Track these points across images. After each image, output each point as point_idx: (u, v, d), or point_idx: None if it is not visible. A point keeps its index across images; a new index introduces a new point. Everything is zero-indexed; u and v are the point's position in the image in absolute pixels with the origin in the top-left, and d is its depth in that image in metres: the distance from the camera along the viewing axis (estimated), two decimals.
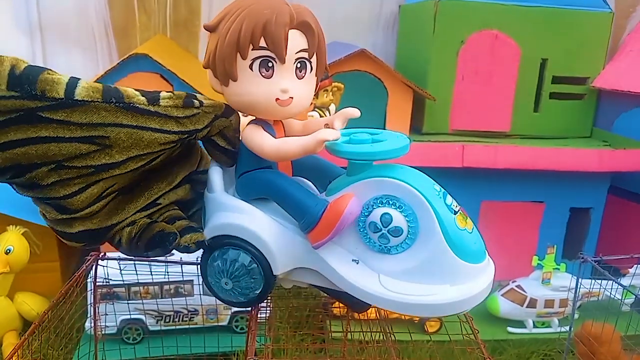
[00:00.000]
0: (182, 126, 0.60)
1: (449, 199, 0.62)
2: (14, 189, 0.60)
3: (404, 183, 0.60)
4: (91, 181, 0.60)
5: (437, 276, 0.61)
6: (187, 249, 0.66)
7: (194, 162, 0.71)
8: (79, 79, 0.55)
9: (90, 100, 0.55)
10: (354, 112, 0.66)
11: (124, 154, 0.59)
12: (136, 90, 0.58)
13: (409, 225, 0.60)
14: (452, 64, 1.85)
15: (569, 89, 1.95)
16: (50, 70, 0.55)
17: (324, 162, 0.71)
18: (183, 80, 1.68)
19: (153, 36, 2.12)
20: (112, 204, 0.64)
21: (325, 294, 0.75)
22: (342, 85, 1.44)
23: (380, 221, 0.61)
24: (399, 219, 0.60)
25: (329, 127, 0.66)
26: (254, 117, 0.66)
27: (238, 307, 0.77)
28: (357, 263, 0.63)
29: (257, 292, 0.68)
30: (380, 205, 0.61)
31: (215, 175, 0.69)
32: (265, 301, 1.10)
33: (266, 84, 0.61)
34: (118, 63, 1.66)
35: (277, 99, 0.62)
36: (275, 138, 0.64)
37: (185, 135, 0.62)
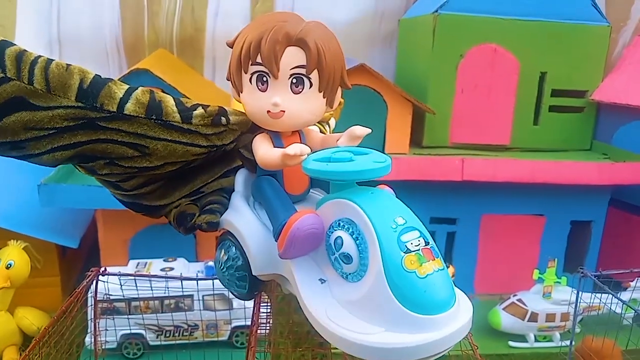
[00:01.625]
0: (209, 141, 0.67)
1: (410, 236, 0.56)
2: (77, 169, 0.70)
3: (360, 209, 0.57)
4: (137, 175, 0.70)
5: (374, 316, 0.56)
6: (200, 227, 0.72)
7: (235, 160, 0.77)
8: (132, 91, 0.63)
9: (135, 115, 0.63)
10: (360, 131, 0.65)
11: (161, 160, 0.67)
12: (177, 105, 0.65)
13: (359, 255, 0.57)
14: (451, 78, 1.86)
15: (568, 102, 1.95)
16: (112, 82, 0.62)
17: None
18: (184, 95, 1.69)
19: None
20: (160, 190, 0.74)
21: None
22: (342, 100, 1.45)
23: (334, 244, 0.59)
24: (349, 245, 0.57)
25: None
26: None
27: (241, 299, 0.80)
28: (322, 283, 0.61)
29: (245, 289, 0.72)
30: (337, 227, 0.59)
31: (239, 177, 0.74)
32: (266, 317, 1.10)
33: (260, 97, 0.65)
34: (119, 79, 1.67)
35: (268, 112, 0.65)
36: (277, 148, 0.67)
37: (215, 149, 0.68)
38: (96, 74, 0.63)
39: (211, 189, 0.77)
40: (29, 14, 2.10)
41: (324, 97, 0.67)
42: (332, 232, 0.60)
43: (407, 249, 0.55)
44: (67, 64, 0.61)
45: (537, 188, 1.76)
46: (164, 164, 0.68)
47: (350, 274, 0.58)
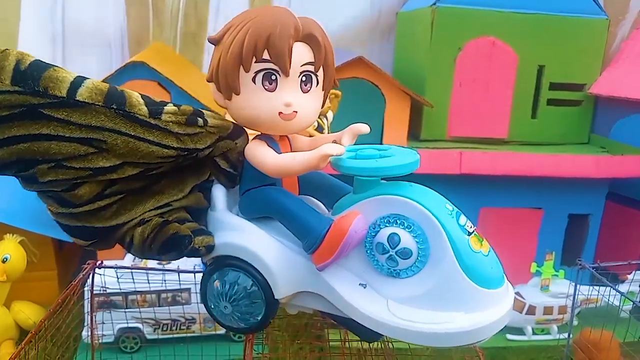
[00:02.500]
0: (181, 143, 0.58)
1: (463, 219, 0.58)
2: (20, 183, 0.60)
3: (413, 201, 0.56)
4: (90, 181, 0.59)
5: (450, 303, 0.56)
6: (196, 252, 0.63)
7: (206, 172, 0.67)
8: (85, 78, 0.54)
9: (91, 102, 0.54)
10: (363, 128, 0.63)
11: (121, 159, 0.58)
12: (143, 98, 0.57)
13: (418, 247, 0.56)
14: (449, 71, 1.85)
15: (566, 96, 1.95)
16: (58, 67, 0.54)
17: (331, 180, 0.69)
18: (181, 87, 1.68)
19: None
20: (118, 204, 0.62)
21: (332, 321, 0.71)
22: (340, 93, 1.44)
23: (388, 242, 0.57)
24: (407, 239, 0.56)
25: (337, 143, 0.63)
26: (259, 133, 0.64)
27: (239, 333, 0.73)
28: (365, 287, 0.59)
29: (259, 317, 0.65)
30: (387, 224, 0.57)
31: (218, 193, 0.66)
32: None
33: (269, 98, 0.59)
34: (115, 71, 1.66)
35: (280, 113, 0.60)
36: (279, 154, 0.62)
37: (185, 153, 0.60)
38: (37, 59, 0.53)
39: (179, 205, 0.66)
40: (33, 8, 2.12)
41: (323, 96, 0.64)
42: (379, 231, 0.57)
43: (468, 231, 0.57)
44: (5, 48, 0.53)
45: (535, 181, 1.76)
46: (122, 163, 0.58)
47: (403, 269, 0.57)
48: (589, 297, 1.50)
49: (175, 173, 0.65)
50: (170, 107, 0.58)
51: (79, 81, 0.54)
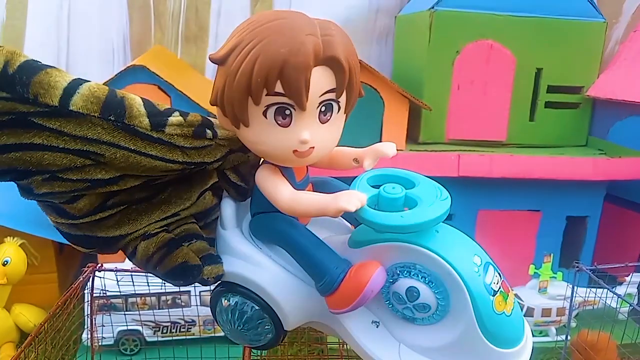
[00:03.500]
0: (187, 157, 0.53)
1: (490, 275, 0.53)
2: (19, 191, 0.56)
3: (436, 255, 0.52)
4: (88, 193, 0.54)
5: None
6: (205, 282, 0.60)
7: (212, 176, 0.63)
8: (82, 83, 0.49)
9: (86, 113, 0.48)
10: (389, 150, 0.57)
11: (120, 171, 0.53)
12: (145, 107, 0.51)
13: (438, 303, 0.53)
14: (447, 74, 1.86)
15: (564, 98, 1.96)
16: (51, 69, 0.48)
17: (339, 185, 0.65)
18: (181, 91, 1.69)
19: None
20: (120, 214, 0.58)
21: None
22: None
23: (406, 294, 0.53)
24: (427, 295, 0.53)
25: (357, 162, 0.60)
26: None
27: (263, 349, 0.73)
28: (377, 326, 0.57)
29: (268, 340, 0.63)
30: (407, 275, 0.53)
31: (228, 209, 0.62)
32: None
33: (282, 134, 0.52)
34: (116, 75, 1.67)
35: (295, 151, 0.52)
36: (293, 180, 0.57)
37: (192, 167, 0.55)
38: (32, 59, 0.47)
39: (187, 213, 0.62)
40: (40, 14, 2.16)
41: (345, 116, 0.57)
42: (397, 280, 0.54)
43: (493, 290, 0.53)
44: None
45: (533, 183, 1.76)
46: (122, 175, 0.53)
47: (420, 318, 0.55)
48: (586, 299, 1.51)
49: (182, 181, 0.60)
50: (175, 119, 0.52)
51: (73, 87, 0.48)
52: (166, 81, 1.68)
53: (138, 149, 0.51)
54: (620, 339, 1.23)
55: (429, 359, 0.54)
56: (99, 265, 1.19)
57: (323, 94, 0.51)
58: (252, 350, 0.93)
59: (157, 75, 1.68)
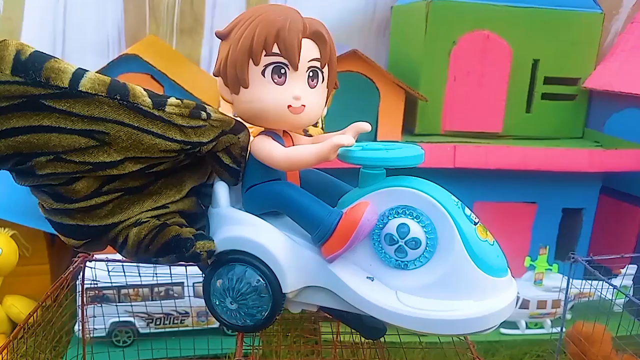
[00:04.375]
0: (185, 136, 0.58)
1: (468, 211, 0.60)
2: (13, 177, 0.59)
3: (422, 192, 0.58)
4: (88, 176, 0.58)
5: (460, 291, 0.57)
6: (197, 257, 0.62)
7: (205, 173, 0.67)
8: (86, 70, 0.54)
9: (94, 93, 0.53)
10: (366, 127, 0.64)
11: (122, 153, 0.57)
12: (145, 90, 0.57)
13: (427, 237, 0.57)
14: (444, 65, 1.85)
15: (560, 90, 1.95)
16: (58, 58, 0.53)
17: (331, 179, 0.69)
18: (174, 81, 1.67)
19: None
20: (114, 202, 0.61)
21: (327, 315, 0.71)
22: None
23: (397, 233, 0.58)
24: (416, 229, 0.57)
25: None
26: (263, 129, 0.64)
27: (244, 332, 0.72)
28: (372, 280, 0.60)
29: (265, 313, 0.64)
30: (396, 215, 0.58)
31: (221, 189, 0.65)
32: None
33: (278, 91, 0.60)
34: (108, 64, 1.65)
35: (289, 106, 0.61)
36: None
37: (189, 147, 0.59)
38: (38, 50, 0.53)
39: (175, 208, 0.65)
40: (36, 6, 2.15)
41: (327, 94, 0.65)
42: (388, 222, 0.58)
43: (474, 221, 0.59)
44: (4, 39, 0.52)
45: (529, 175, 1.76)
46: (124, 159, 0.57)
47: (411, 261, 0.58)
48: (582, 290, 1.51)
49: (174, 173, 0.64)
50: (173, 100, 0.58)
51: (80, 72, 0.54)
52: (159, 71, 1.66)
53: (141, 126, 0.56)
54: (615, 331, 1.22)
55: (425, 296, 0.58)
56: (90, 255, 1.17)
57: (311, 60, 0.60)
58: (245, 341, 0.91)
59: (150, 64, 1.66)
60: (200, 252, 0.62)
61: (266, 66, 0.59)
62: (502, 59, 1.86)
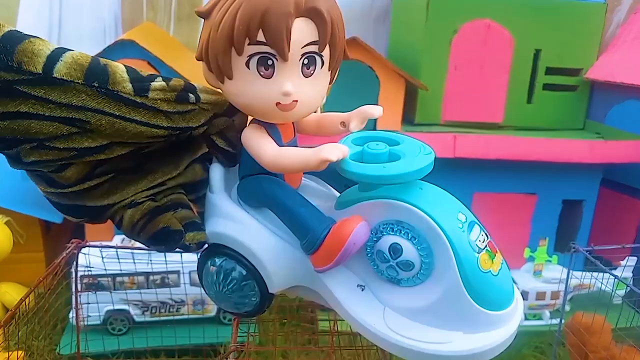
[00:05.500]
0: (171, 122, 0.54)
1: (475, 233, 0.53)
2: (7, 161, 0.56)
3: (420, 211, 0.51)
4: (75, 161, 0.55)
5: (448, 322, 0.52)
6: (187, 248, 0.60)
7: (203, 146, 0.63)
8: (65, 51, 0.50)
9: (70, 80, 0.49)
10: (375, 111, 0.57)
11: (107, 139, 0.53)
12: (128, 73, 0.52)
13: (422, 261, 0.52)
14: (444, 54, 1.82)
15: (562, 80, 1.93)
16: (34, 38, 0.49)
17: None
18: (171, 67, 1.65)
19: None
20: (108, 183, 0.59)
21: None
22: None
23: (389, 251, 0.53)
24: (410, 251, 0.52)
25: (344, 126, 0.59)
26: None
27: (236, 316, 0.71)
28: (363, 290, 0.56)
29: (253, 306, 0.63)
30: (390, 232, 0.53)
31: (216, 173, 0.62)
32: None
33: (265, 85, 0.52)
34: (104, 50, 1.62)
35: (278, 103, 0.53)
36: (279, 141, 0.57)
37: (177, 132, 0.55)
38: (14, 29, 0.48)
39: (175, 183, 0.63)
40: None
41: (330, 75, 0.57)
42: (381, 238, 0.53)
43: (479, 248, 0.52)
44: None
45: (529, 166, 1.74)
46: (110, 143, 0.54)
47: (404, 279, 0.54)
48: (581, 282, 1.49)
49: (169, 150, 0.61)
50: (157, 84, 0.53)
51: (56, 55, 0.49)
52: (156, 57, 1.64)
53: (123, 114, 0.51)
54: (615, 322, 1.21)
55: (413, 320, 0.53)
56: (84, 241, 1.16)
57: (305, 46, 0.51)
58: (240, 327, 0.90)
59: (147, 50, 1.64)
60: (190, 244, 0.60)
61: (250, 56, 0.51)
62: (504, 48, 1.84)
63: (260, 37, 0.49)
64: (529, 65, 1.88)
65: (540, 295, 1.67)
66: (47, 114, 0.50)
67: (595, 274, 1.40)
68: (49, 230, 1.81)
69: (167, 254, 1.29)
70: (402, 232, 0.52)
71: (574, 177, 1.81)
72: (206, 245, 0.63)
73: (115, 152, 0.55)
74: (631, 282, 1.54)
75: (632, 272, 1.59)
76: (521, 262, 1.72)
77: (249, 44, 0.50)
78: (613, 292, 1.28)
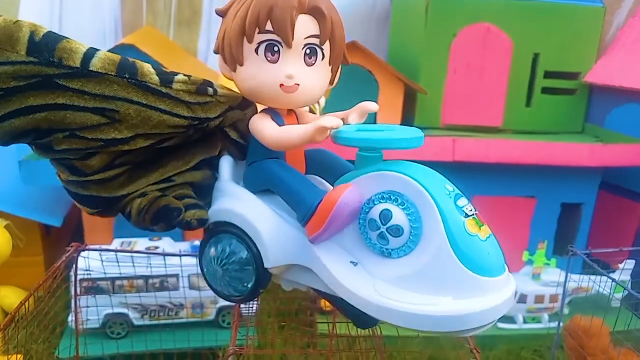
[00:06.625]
0: (192, 112, 0.60)
1: (462, 201, 0.55)
2: (32, 150, 0.61)
3: (409, 178, 0.54)
4: (101, 151, 0.61)
5: (438, 286, 0.53)
6: (188, 225, 0.64)
7: (216, 147, 0.69)
8: (97, 50, 0.56)
9: (104, 72, 0.55)
10: (372, 107, 0.62)
11: (132, 130, 0.59)
12: (154, 68, 0.58)
13: (411, 226, 0.54)
14: (444, 58, 1.83)
15: (561, 84, 1.94)
16: (70, 39, 0.55)
17: (338, 160, 0.68)
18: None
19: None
20: (125, 175, 0.65)
21: (324, 299, 0.69)
22: None
23: (379, 218, 0.55)
24: (399, 216, 0.54)
25: (344, 122, 0.63)
26: (266, 107, 0.64)
27: (232, 302, 0.72)
28: (355, 265, 0.58)
29: (249, 285, 0.65)
30: (381, 201, 0.55)
31: (225, 163, 0.67)
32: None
33: (271, 69, 0.59)
34: None
35: (281, 85, 0.59)
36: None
37: (196, 122, 0.61)
38: (50, 30, 0.55)
39: (183, 180, 0.68)
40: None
41: (331, 72, 0.63)
42: (373, 207, 0.56)
43: (466, 213, 0.54)
44: (17, 20, 0.54)
45: (528, 169, 1.74)
46: (135, 135, 0.60)
47: (395, 249, 0.55)
48: (580, 285, 1.50)
49: (184, 147, 0.66)
50: (181, 77, 0.59)
51: (91, 52, 0.55)
52: (156, 61, 1.65)
53: (149, 103, 0.57)
54: (613, 325, 1.21)
55: (402, 288, 0.54)
56: (84, 245, 1.16)
57: (307, 37, 0.58)
58: (239, 331, 0.90)
59: (146, 54, 1.64)
60: (191, 220, 0.64)
61: (259, 44, 0.58)
62: (503, 52, 1.85)
63: (269, 26, 0.57)
64: (528, 68, 1.89)
65: (539, 299, 1.67)
66: (81, 105, 0.56)
67: (593, 277, 1.40)
68: (48, 234, 1.81)
69: (166, 257, 1.30)
70: (392, 199, 0.55)
71: (572, 180, 1.82)
72: (208, 231, 0.66)
73: (138, 144, 0.60)
74: (629, 285, 1.54)
75: (630, 275, 1.59)
76: (520, 265, 1.72)
77: (258, 33, 0.58)
78: (611, 295, 1.28)
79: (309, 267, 0.61)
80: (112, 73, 0.55)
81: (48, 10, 2.16)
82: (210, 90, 0.60)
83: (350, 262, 0.58)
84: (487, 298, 0.53)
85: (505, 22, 1.82)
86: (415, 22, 1.87)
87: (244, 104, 0.64)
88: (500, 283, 0.54)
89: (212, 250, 0.66)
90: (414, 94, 1.82)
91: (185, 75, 0.59)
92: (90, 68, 0.55)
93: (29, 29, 0.53)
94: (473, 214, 0.55)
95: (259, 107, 0.66)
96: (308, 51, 0.59)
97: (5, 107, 0.55)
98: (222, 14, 0.62)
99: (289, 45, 0.58)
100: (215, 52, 0.63)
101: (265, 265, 0.62)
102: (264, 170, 0.63)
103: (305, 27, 0.58)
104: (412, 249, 0.54)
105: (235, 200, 0.64)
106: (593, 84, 1.92)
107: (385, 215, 0.54)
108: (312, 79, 0.61)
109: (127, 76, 0.56)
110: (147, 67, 0.57)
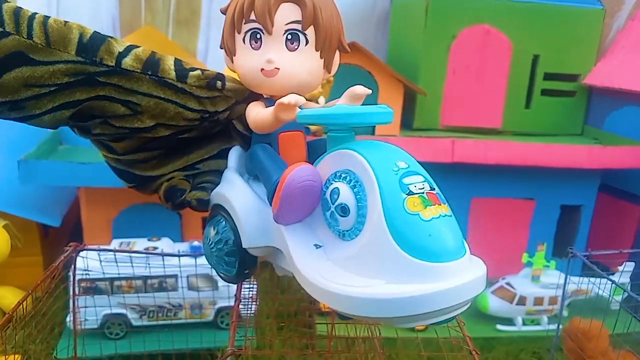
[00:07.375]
0: (202, 105, 0.65)
1: (412, 179, 0.51)
2: (74, 132, 0.69)
3: (358, 154, 0.52)
4: (128, 137, 0.69)
5: (373, 268, 0.50)
6: (189, 204, 0.71)
7: (234, 138, 0.74)
8: (132, 48, 0.62)
9: (132, 70, 0.61)
10: (361, 90, 0.60)
11: (154, 120, 0.65)
12: (175, 64, 0.63)
13: (357, 204, 0.52)
14: (443, 59, 1.83)
15: (560, 86, 1.94)
16: (111, 39, 0.61)
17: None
18: None
19: None
20: (157, 159, 0.73)
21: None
22: (332, 79, 1.42)
23: (330, 197, 0.54)
24: (346, 194, 0.52)
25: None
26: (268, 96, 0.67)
27: (226, 281, 0.74)
28: (317, 248, 0.56)
29: (235, 265, 0.68)
30: (335, 180, 0.54)
31: (233, 153, 0.71)
32: (249, 295, 1.08)
33: (254, 55, 0.63)
34: None
35: (262, 70, 0.62)
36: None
37: (207, 115, 0.66)
38: (95, 31, 0.61)
39: (208, 168, 0.75)
40: None
41: (321, 58, 0.64)
42: (329, 186, 0.55)
43: (410, 190, 0.50)
44: (65, 20, 0.60)
45: (527, 171, 1.74)
46: (155, 125, 0.66)
47: (347, 230, 0.53)
48: (579, 287, 1.49)
49: (206, 138, 0.74)
50: (195, 73, 0.64)
51: (126, 52, 0.61)
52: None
53: (166, 97, 0.63)
54: (612, 327, 1.21)
55: (345, 270, 0.52)
56: (82, 244, 1.16)
57: (288, 23, 0.61)
58: (238, 331, 0.90)
59: None
60: (191, 200, 0.70)
61: (245, 33, 0.62)
62: (502, 54, 1.85)
63: (252, 16, 0.61)
64: (528, 70, 1.89)
65: (538, 301, 1.67)
66: (116, 97, 0.63)
67: (593, 279, 1.40)
68: (46, 234, 1.80)
69: (165, 258, 1.29)
70: (343, 178, 0.54)
71: (572, 182, 1.82)
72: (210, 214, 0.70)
73: (159, 133, 0.67)
74: (629, 288, 1.54)
75: (630, 278, 1.58)
76: (519, 268, 1.72)
77: (244, 23, 0.62)
78: (611, 298, 1.28)
79: (281, 249, 0.60)
80: (138, 70, 0.62)
81: (45, 9, 2.16)
82: (219, 84, 0.64)
83: (315, 245, 0.57)
84: (426, 284, 0.48)
85: (505, 23, 1.82)
86: (415, 24, 1.87)
87: (251, 98, 0.67)
88: (445, 269, 0.49)
89: (209, 231, 0.69)
90: (413, 95, 1.82)
91: (201, 70, 0.64)
92: (123, 66, 0.61)
93: (78, 31, 0.60)
94: (422, 193, 0.50)
95: None
96: (290, 37, 0.62)
97: (59, 100, 0.62)
98: (224, 12, 0.66)
99: (269, 32, 0.61)
100: (221, 47, 0.68)
101: (243, 245, 0.64)
102: (250, 155, 0.66)
103: (285, 13, 0.61)
104: (361, 230, 0.52)
105: (227, 185, 0.68)
106: (593, 86, 1.92)
107: (334, 194, 0.53)
108: (294, 63, 0.62)
109: (149, 73, 0.62)
110: (169, 64, 0.63)
